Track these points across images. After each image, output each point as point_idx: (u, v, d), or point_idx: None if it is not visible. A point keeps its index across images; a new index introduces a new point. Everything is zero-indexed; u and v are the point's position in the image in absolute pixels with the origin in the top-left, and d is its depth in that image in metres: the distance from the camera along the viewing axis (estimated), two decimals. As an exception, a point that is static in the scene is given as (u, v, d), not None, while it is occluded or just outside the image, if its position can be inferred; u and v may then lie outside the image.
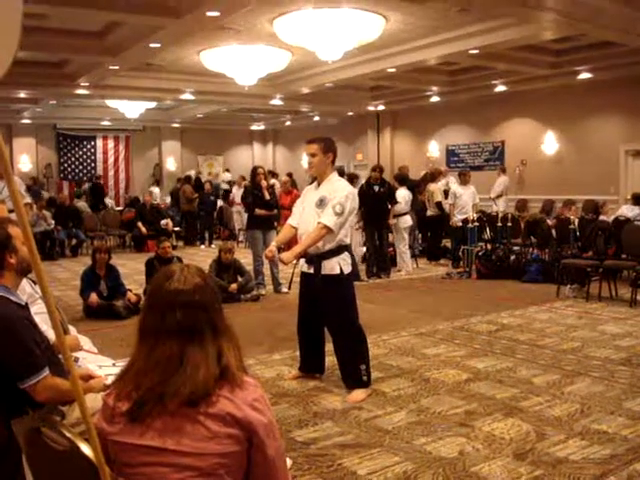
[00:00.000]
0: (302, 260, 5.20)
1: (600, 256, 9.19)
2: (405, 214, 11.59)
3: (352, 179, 11.49)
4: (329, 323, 5.19)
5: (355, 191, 5.27)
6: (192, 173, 20.83)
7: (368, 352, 5.21)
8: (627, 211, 11.43)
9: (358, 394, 5.00)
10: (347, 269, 5.07)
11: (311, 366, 5.52)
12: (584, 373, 5.57)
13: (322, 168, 5.12)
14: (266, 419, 1.82)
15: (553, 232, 10.64)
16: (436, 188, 13.06)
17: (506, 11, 9.68)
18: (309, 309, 5.28)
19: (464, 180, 12.53)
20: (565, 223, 10.45)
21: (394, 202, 11.11)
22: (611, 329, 7.20)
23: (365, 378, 5.09)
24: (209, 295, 1.89)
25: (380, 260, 11.19)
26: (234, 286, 9.12)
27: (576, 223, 10.28)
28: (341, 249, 5.03)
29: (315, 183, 5.30)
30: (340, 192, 4.99)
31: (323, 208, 4.95)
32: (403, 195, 11.59)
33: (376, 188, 10.93)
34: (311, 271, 5.07)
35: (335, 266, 5.00)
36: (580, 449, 3.99)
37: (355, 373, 5.08)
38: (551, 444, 4.06)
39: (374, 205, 10.86)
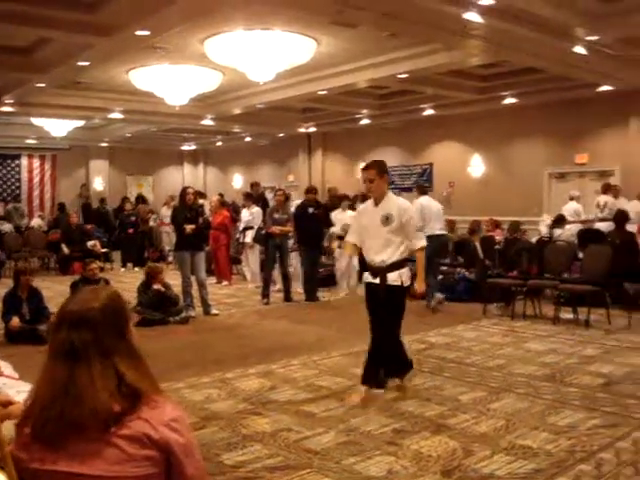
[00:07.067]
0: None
1: (524, 275, 9.44)
2: None
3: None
4: (381, 325, 5.58)
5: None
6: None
7: (398, 358, 5.65)
8: (544, 230, 11.85)
9: (354, 397, 5.44)
10: (407, 282, 5.55)
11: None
12: (509, 390, 5.69)
13: (380, 190, 5.55)
14: (184, 439, 1.79)
15: (479, 252, 10.87)
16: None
17: (434, 37, 9.94)
18: (375, 318, 5.65)
19: None
20: (490, 243, 10.70)
21: (329, 225, 11.17)
22: (535, 346, 7.39)
23: (381, 379, 5.55)
24: (104, 316, 1.85)
25: (310, 283, 11.14)
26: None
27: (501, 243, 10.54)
28: (404, 262, 5.54)
29: (370, 202, 5.70)
30: (409, 212, 5.58)
31: (390, 225, 5.43)
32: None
33: (310, 210, 10.94)
34: (376, 281, 5.50)
35: (397, 278, 5.46)
36: (505, 464, 4.06)
37: (375, 373, 5.53)
38: (477, 460, 4.13)
39: (309, 227, 10.87)
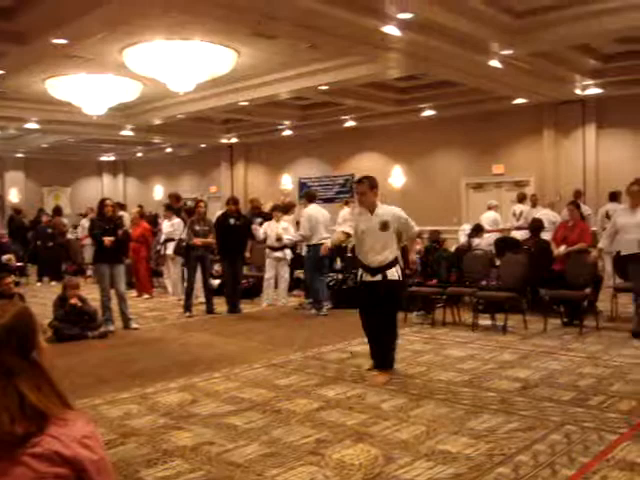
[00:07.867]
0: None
1: (444, 284, 9.62)
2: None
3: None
4: (382, 316, 6.46)
5: None
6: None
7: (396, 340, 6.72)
8: (462, 238, 12.18)
9: (380, 378, 6.31)
10: (401, 275, 6.55)
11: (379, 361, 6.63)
12: (429, 396, 5.76)
13: (371, 201, 6.50)
14: (97, 456, 1.74)
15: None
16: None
17: (353, 49, 10.07)
18: (373, 312, 6.49)
19: None
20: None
21: (250, 236, 11.12)
22: (455, 353, 7.53)
23: (393, 361, 6.62)
24: (8, 335, 1.76)
25: (233, 295, 11.04)
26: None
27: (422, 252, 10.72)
28: (397, 260, 6.50)
29: (365, 210, 6.54)
30: (401, 214, 6.56)
31: (388, 230, 6.40)
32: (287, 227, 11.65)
33: (232, 221, 10.84)
34: (376, 279, 6.41)
35: (395, 273, 6.44)
36: (426, 470, 4.11)
37: (388, 357, 6.56)
38: (398, 467, 4.16)
39: (231, 238, 10.77)
